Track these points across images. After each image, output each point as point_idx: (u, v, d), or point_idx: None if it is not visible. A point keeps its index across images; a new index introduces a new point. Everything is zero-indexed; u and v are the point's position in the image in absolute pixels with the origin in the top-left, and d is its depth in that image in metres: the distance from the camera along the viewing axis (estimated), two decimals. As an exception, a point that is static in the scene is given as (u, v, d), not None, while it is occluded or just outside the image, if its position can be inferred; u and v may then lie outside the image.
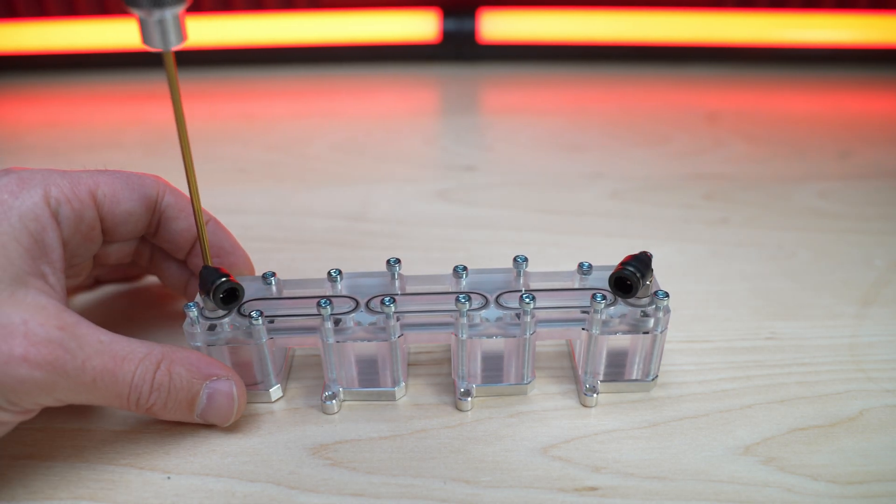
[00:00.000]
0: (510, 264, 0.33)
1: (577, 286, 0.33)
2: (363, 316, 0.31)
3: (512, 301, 0.31)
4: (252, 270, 0.36)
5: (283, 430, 0.31)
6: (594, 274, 0.33)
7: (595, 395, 0.32)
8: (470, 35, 0.75)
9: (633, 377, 0.32)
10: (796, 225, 0.47)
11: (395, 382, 0.32)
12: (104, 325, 0.28)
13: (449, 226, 0.48)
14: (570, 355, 0.35)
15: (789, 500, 0.27)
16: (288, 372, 0.34)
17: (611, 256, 0.43)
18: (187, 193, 0.29)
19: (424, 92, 0.75)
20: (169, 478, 0.29)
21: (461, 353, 0.31)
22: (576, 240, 0.46)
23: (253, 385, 0.32)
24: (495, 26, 0.76)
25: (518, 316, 0.30)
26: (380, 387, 0.32)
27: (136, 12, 0.23)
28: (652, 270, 0.30)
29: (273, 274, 0.33)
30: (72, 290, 0.38)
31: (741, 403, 0.32)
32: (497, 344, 0.32)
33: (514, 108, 0.69)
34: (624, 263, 0.30)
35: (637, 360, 0.32)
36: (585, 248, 0.45)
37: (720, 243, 0.45)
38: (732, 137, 0.61)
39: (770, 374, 0.34)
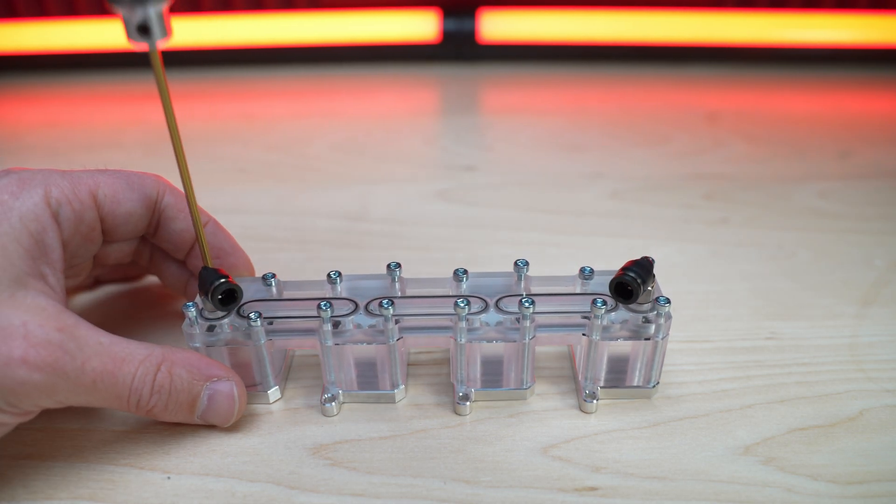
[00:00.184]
0: (510, 265, 0.33)
1: (578, 291, 0.33)
2: (362, 318, 0.31)
3: (512, 305, 0.31)
4: (252, 271, 0.36)
5: (283, 430, 0.31)
6: (595, 279, 0.33)
7: (595, 402, 0.32)
8: (470, 35, 0.75)
9: (634, 383, 0.32)
10: (796, 225, 0.47)
11: (395, 385, 0.32)
12: (104, 325, 0.28)
13: (449, 226, 0.48)
14: (571, 359, 0.35)
15: (789, 500, 0.27)
16: (287, 373, 0.34)
17: (611, 256, 0.43)
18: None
19: (424, 92, 0.75)
20: (169, 478, 0.29)
21: (460, 357, 0.31)
22: (576, 240, 0.46)
23: (252, 386, 0.32)
24: (495, 26, 0.76)
25: (518, 320, 0.30)
26: (379, 389, 0.32)
27: (119, 9, 0.23)
28: (654, 276, 0.30)
29: (273, 275, 0.33)
30: (72, 290, 0.38)
31: (741, 403, 0.32)
32: (496, 348, 0.32)
33: (514, 108, 0.69)
34: (625, 269, 0.30)
35: (638, 366, 0.32)
36: (585, 248, 0.45)
37: (720, 243, 0.45)
38: (732, 137, 0.61)
39: (770, 374, 0.34)
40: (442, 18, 0.75)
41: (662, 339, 0.30)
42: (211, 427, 0.31)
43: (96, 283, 0.39)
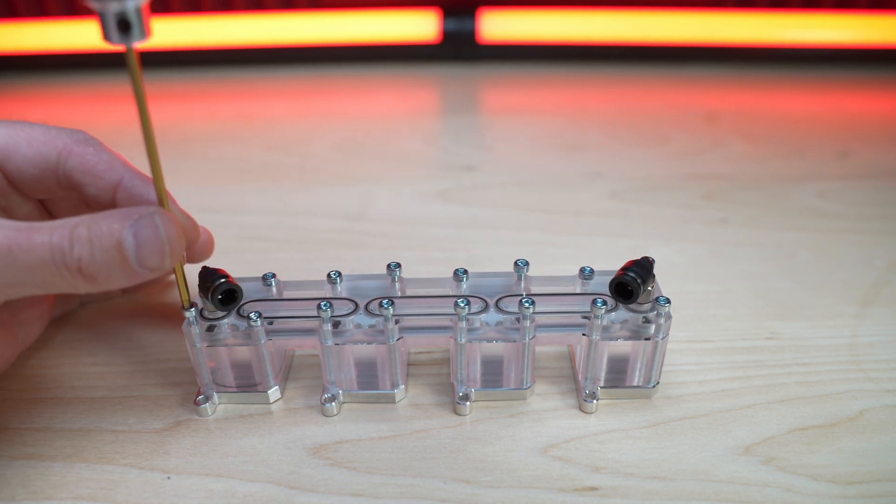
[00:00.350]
0: (510, 265, 0.33)
1: (578, 291, 0.33)
2: (362, 318, 0.31)
3: (512, 305, 0.31)
4: (211, 244, 0.35)
5: (283, 430, 0.31)
6: (595, 279, 0.33)
7: (595, 402, 0.32)
8: (470, 35, 0.75)
9: (634, 383, 0.32)
10: (796, 225, 0.47)
11: (395, 385, 0.32)
12: (104, 328, 0.28)
13: (449, 226, 0.48)
14: (571, 359, 0.35)
15: (789, 500, 0.27)
16: (287, 373, 0.34)
17: (610, 256, 0.43)
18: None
19: (424, 92, 0.75)
20: (169, 478, 0.29)
21: (460, 357, 0.31)
22: (575, 240, 0.46)
23: (252, 386, 0.32)
24: (495, 26, 0.76)
25: (518, 320, 0.30)
26: (379, 389, 0.32)
27: (94, 4, 0.22)
28: (654, 276, 0.30)
29: (273, 275, 0.33)
30: (61, 316, 0.38)
31: (741, 403, 0.32)
32: (496, 348, 0.32)
33: (514, 108, 0.69)
34: (625, 269, 0.30)
35: (638, 366, 0.32)
36: (585, 248, 0.45)
37: (720, 243, 0.45)
38: (732, 137, 0.61)
39: (770, 374, 0.34)
40: (442, 18, 0.75)
41: (662, 339, 0.30)
42: (211, 427, 0.31)
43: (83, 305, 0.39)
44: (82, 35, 0.74)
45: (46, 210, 0.34)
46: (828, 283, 0.41)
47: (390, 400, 0.32)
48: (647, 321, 0.30)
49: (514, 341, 0.31)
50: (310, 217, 0.49)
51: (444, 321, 0.31)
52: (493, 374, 0.33)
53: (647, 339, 0.31)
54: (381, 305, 0.29)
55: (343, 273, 0.33)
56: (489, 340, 0.31)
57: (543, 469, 0.29)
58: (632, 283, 0.29)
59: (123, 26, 0.22)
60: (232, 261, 0.38)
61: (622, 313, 0.31)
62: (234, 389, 0.32)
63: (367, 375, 0.33)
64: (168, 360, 0.35)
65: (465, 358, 0.31)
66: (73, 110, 0.70)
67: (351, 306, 0.31)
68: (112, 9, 0.22)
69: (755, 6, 0.74)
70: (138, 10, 0.22)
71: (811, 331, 0.37)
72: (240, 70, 0.78)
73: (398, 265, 0.33)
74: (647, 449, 0.30)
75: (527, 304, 0.29)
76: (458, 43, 0.76)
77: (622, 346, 0.32)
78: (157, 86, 0.74)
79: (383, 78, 0.76)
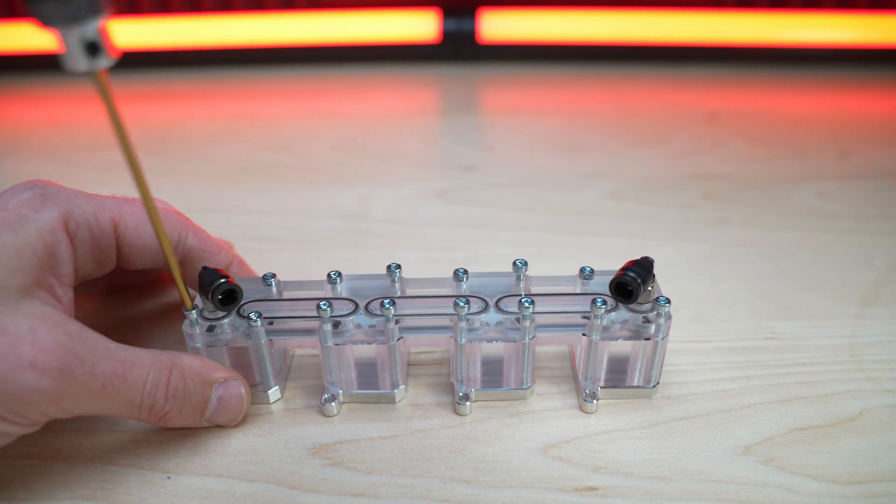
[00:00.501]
0: (510, 265, 0.33)
1: (578, 291, 0.33)
2: (362, 318, 0.31)
3: (512, 305, 0.31)
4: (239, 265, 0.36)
5: (283, 430, 0.31)
6: (596, 279, 0.33)
7: (595, 402, 0.32)
8: (470, 35, 0.75)
9: (634, 383, 0.32)
10: (796, 225, 0.47)
11: (395, 385, 0.32)
12: (104, 326, 0.28)
13: (449, 226, 0.48)
14: (571, 359, 0.35)
15: (789, 500, 0.27)
16: (287, 373, 0.34)
17: (610, 256, 0.43)
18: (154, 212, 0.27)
19: (424, 92, 0.75)
20: (169, 478, 0.29)
21: (460, 357, 0.31)
22: (575, 240, 0.46)
23: (252, 386, 0.32)
24: (495, 26, 0.76)
25: (518, 320, 0.30)
26: (379, 389, 0.32)
27: (53, 29, 0.20)
28: (654, 276, 0.30)
29: (273, 275, 0.33)
30: (86, 296, 0.38)
31: (741, 403, 0.32)
32: (496, 348, 0.32)
33: (514, 108, 0.69)
34: (625, 269, 0.30)
35: (638, 366, 0.32)
36: (585, 248, 0.45)
37: (720, 243, 0.45)
38: (732, 137, 0.61)
39: (770, 374, 0.34)
40: (442, 18, 0.75)
41: (662, 339, 0.30)
42: (211, 427, 0.31)
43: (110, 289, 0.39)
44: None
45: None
46: (828, 283, 0.41)
47: (390, 400, 0.32)
48: (647, 321, 0.30)
49: (514, 341, 0.31)
50: (310, 217, 0.49)
51: (444, 321, 0.31)
52: (493, 374, 0.33)
53: (647, 339, 0.31)
54: (381, 305, 0.29)
55: (343, 273, 0.33)
56: (489, 340, 0.31)
57: (543, 469, 0.29)
58: (632, 283, 0.29)
59: (92, 50, 0.21)
60: (232, 261, 0.38)
61: (622, 313, 0.31)
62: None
63: (367, 375, 0.33)
64: (168, 360, 0.35)
65: (465, 358, 0.31)
66: (73, 110, 0.70)
67: (351, 306, 0.31)
68: (73, 35, 0.20)
69: (755, 6, 0.74)
70: (99, 33, 0.21)
71: (811, 331, 0.37)
72: (240, 70, 0.78)
73: (398, 266, 0.33)
74: (647, 449, 0.30)
75: (527, 304, 0.29)
76: (458, 43, 0.76)
77: (622, 346, 0.32)
78: (157, 86, 0.74)
79: (383, 78, 0.76)
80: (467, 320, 0.30)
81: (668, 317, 0.30)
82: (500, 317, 0.31)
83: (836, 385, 0.33)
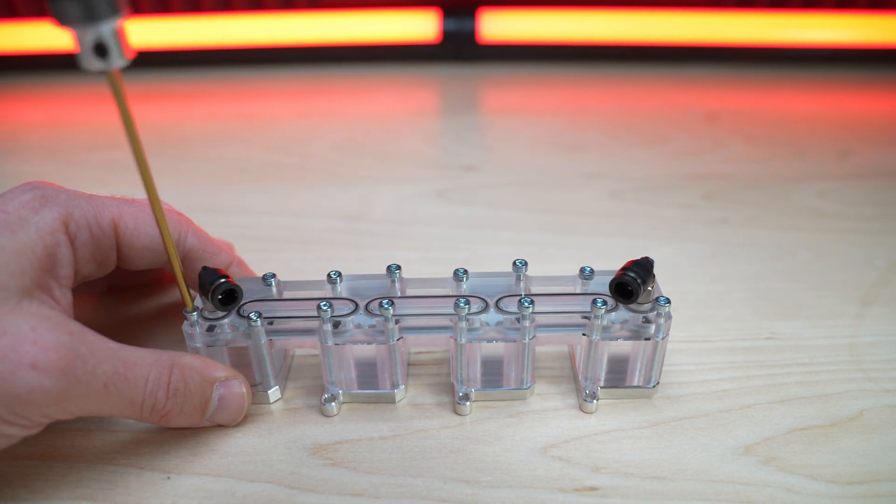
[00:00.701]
0: (510, 265, 0.33)
1: (578, 291, 0.33)
2: (362, 318, 0.31)
3: (512, 305, 0.31)
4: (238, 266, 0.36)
5: (283, 430, 0.31)
6: (596, 279, 0.33)
7: (595, 402, 0.32)
8: (470, 35, 0.75)
9: (634, 383, 0.32)
10: (796, 225, 0.47)
11: (395, 385, 0.32)
12: (104, 327, 0.28)
13: (449, 226, 0.48)
14: (571, 359, 0.35)
15: (789, 500, 0.27)
16: (287, 373, 0.34)
17: (610, 256, 0.43)
18: (159, 213, 0.28)
19: (424, 92, 0.75)
20: (169, 478, 0.29)
21: (460, 357, 0.31)
22: (576, 240, 0.46)
23: (252, 386, 0.32)
24: (495, 26, 0.76)
25: (518, 320, 0.30)
26: (379, 389, 0.32)
27: (70, 29, 0.21)
28: (654, 276, 0.30)
29: (273, 275, 0.33)
30: (85, 296, 0.38)
31: (741, 403, 0.32)
32: (496, 348, 0.32)
33: (514, 108, 0.69)
34: (625, 269, 0.30)
35: (638, 366, 0.32)
36: (585, 248, 0.45)
37: (720, 243, 0.45)
38: (732, 137, 0.61)
39: (770, 374, 0.34)
40: (442, 18, 0.75)
41: (662, 339, 0.30)
42: (210, 427, 0.31)
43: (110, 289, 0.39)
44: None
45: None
46: (828, 283, 0.41)
47: (390, 400, 0.32)
48: (647, 321, 0.30)
49: (514, 341, 0.31)
50: (310, 217, 0.49)
51: (444, 321, 0.31)
52: (493, 374, 0.33)
53: (647, 339, 0.31)
54: (381, 305, 0.29)
55: (343, 273, 0.33)
56: (489, 340, 0.31)
57: (543, 469, 0.29)
58: (632, 283, 0.29)
59: (100, 51, 0.21)
60: (232, 261, 0.38)
61: (622, 313, 0.31)
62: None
63: (367, 375, 0.33)
64: (168, 360, 0.35)
65: (465, 358, 0.31)
66: (73, 110, 0.70)
67: (351, 306, 0.31)
68: (88, 35, 0.21)
69: (755, 6, 0.74)
70: (115, 33, 0.21)
71: (811, 331, 0.37)
72: (240, 70, 0.78)
73: (398, 266, 0.33)
74: (647, 449, 0.30)
75: (527, 304, 0.29)
76: (458, 43, 0.76)
77: (622, 346, 0.32)
78: (157, 86, 0.74)
79: (383, 78, 0.76)
80: (467, 320, 0.30)
81: (668, 317, 0.30)
82: (500, 317, 0.31)
83: (836, 385, 0.33)
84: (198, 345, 0.30)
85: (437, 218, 0.49)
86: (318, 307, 0.29)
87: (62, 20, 0.20)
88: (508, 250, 0.44)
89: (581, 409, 0.32)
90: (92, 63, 0.21)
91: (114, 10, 0.21)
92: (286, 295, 0.33)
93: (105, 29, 0.21)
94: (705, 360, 0.35)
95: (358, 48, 0.76)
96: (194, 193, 0.52)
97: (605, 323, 0.30)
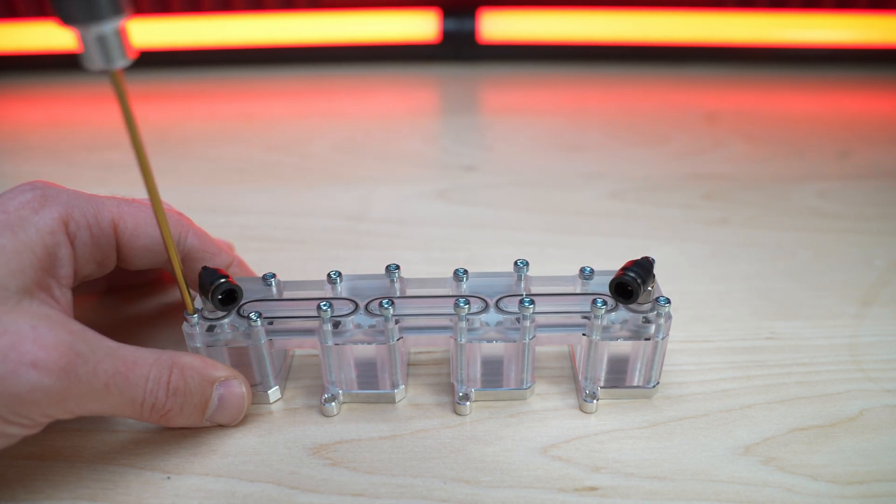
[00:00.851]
0: (510, 265, 0.33)
1: (578, 291, 0.33)
2: (362, 318, 0.31)
3: (512, 305, 0.31)
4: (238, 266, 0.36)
5: (283, 430, 0.31)
6: (596, 279, 0.33)
7: (595, 402, 0.32)
8: (470, 35, 0.75)
9: (634, 383, 0.32)
10: (796, 225, 0.47)
11: (395, 385, 0.32)
12: (103, 326, 0.28)
13: (449, 226, 0.48)
14: (571, 359, 0.35)
15: (789, 500, 0.27)
16: (287, 373, 0.34)
17: (610, 256, 0.43)
18: (158, 215, 0.28)
19: (424, 92, 0.75)
20: (169, 478, 0.29)
21: (460, 357, 0.31)
22: (576, 240, 0.46)
23: (252, 386, 0.32)
24: (495, 26, 0.76)
25: (518, 320, 0.30)
26: (379, 389, 0.32)
27: (73, 28, 0.21)
28: (654, 276, 0.30)
29: (273, 275, 0.33)
30: (85, 296, 0.38)
31: (741, 403, 0.32)
32: (496, 348, 0.32)
33: (514, 108, 0.69)
34: (625, 269, 0.30)
35: (638, 366, 0.32)
36: (585, 248, 0.45)
37: (720, 243, 0.45)
38: (732, 137, 0.61)
39: (770, 374, 0.34)
40: (442, 18, 0.75)
41: (662, 339, 0.30)
42: (210, 427, 0.31)
43: (109, 289, 0.39)
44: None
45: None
46: (828, 283, 0.41)
47: (390, 400, 0.32)
48: (647, 321, 0.30)
49: (514, 341, 0.31)
50: (310, 217, 0.49)
51: (444, 321, 0.31)
52: (493, 374, 0.33)
53: (647, 339, 0.31)
54: (381, 305, 0.29)
55: (343, 273, 0.33)
56: (489, 340, 0.31)
57: (543, 469, 0.29)
58: (632, 283, 0.29)
59: (110, 49, 0.21)
60: (232, 261, 0.38)
61: (622, 313, 0.31)
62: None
63: (367, 375, 0.33)
64: (168, 360, 0.35)
65: (465, 358, 0.31)
66: (73, 110, 0.70)
67: (351, 306, 0.31)
68: (91, 34, 0.21)
69: (755, 6, 0.74)
70: (117, 33, 0.21)
71: (811, 331, 0.37)
72: (240, 70, 0.78)
73: (397, 267, 0.33)
74: (647, 449, 0.30)
75: (527, 304, 0.29)
76: (458, 43, 0.76)
77: (622, 346, 0.32)
78: (157, 86, 0.74)
79: (383, 78, 0.76)
80: (467, 320, 0.30)
81: (668, 317, 0.30)
82: (500, 317, 0.31)
83: (836, 385, 0.33)
84: (198, 345, 0.30)
85: (437, 218, 0.49)
86: (318, 307, 0.29)
87: (65, 19, 0.20)
88: (508, 250, 0.44)
89: (581, 409, 0.32)
90: (94, 63, 0.21)
91: (117, 10, 0.21)
92: (286, 295, 0.33)
93: (108, 28, 0.21)
94: (705, 360, 0.35)
95: (358, 48, 0.76)
96: (194, 193, 0.52)
97: (605, 323, 0.30)
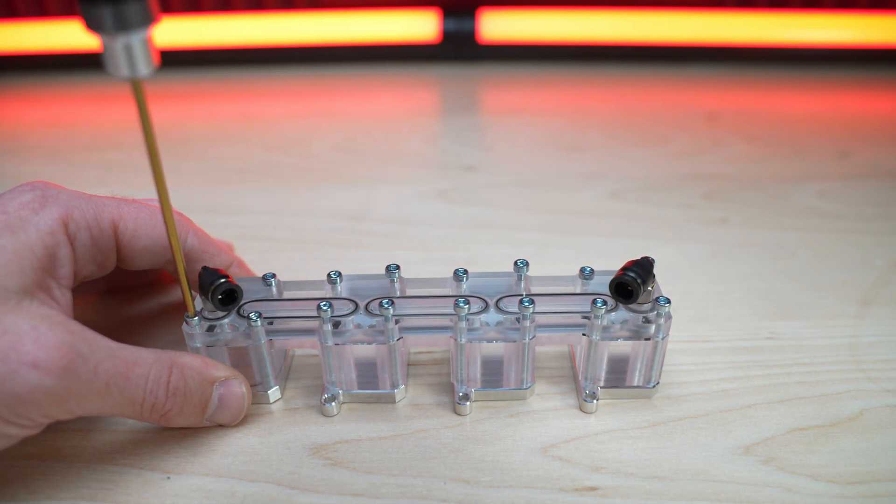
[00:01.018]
0: (510, 265, 0.33)
1: (578, 291, 0.33)
2: (362, 318, 0.31)
3: (512, 305, 0.31)
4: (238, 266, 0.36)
5: (283, 430, 0.31)
6: (596, 279, 0.33)
7: (595, 402, 0.32)
8: (470, 35, 0.75)
9: (634, 384, 0.32)
10: (796, 225, 0.47)
11: (395, 385, 0.32)
12: (103, 327, 0.28)
13: (449, 226, 0.48)
14: (571, 359, 0.35)
15: (789, 500, 0.27)
16: (287, 373, 0.34)
17: (610, 256, 0.43)
18: (168, 217, 0.27)
19: (424, 92, 0.75)
20: (169, 478, 0.29)
21: (460, 357, 0.31)
22: (576, 240, 0.46)
23: (252, 386, 0.32)
24: (495, 26, 0.76)
25: (518, 320, 0.30)
26: (379, 389, 0.32)
27: (99, 36, 0.21)
28: (654, 276, 0.30)
29: (273, 275, 0.33)
30: (85, 296, 0.38)
31: (741, 403, 0.32)
32: (496, 348, 0.32)
33: (514, 108, 0.69)
34: (625, 269, 0.30)
35: (638, 366, 0.32)
36: (585, 248, 0.45)
37: (720, 243, 0.45)
38: (732, 137, 0.61)
39: (770, 374, 0.34)
40: (442, 18, 0.75)
41: (662, 339, 0.30)
42: (210, 427, 0.31)
43: (109, 289, 0.39)
44: (82, 35, 0.74)
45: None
46: (828, 283, 0.41)
47: (390, 400, 0.32)
48: (647, 321, 0.30)
49: (514, 341, 0.31)
50: (310, 217, 0.49)
51: (444, 321, 0.31)
52: (493, 374, 0.33)
53: (647, 339, 0.31)
54: (381, 305, 0.29)
55: (343, 273, 0.33)
56: (489, 340, 0.31)
57: (543, 469, 0.29)
58: (632, 283, 0.29)
59: (136, 58, 0.21)
60: (232, 261, 0.38)
61: (622, 313, 0.31)
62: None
63: (367, 375, 0.33)
64: (168, 360, 0.35)
65: (465, 358, 0.31)
66: (73, 110, 0.70)
67: (351, 306, 0.31)
68: (118, 43, 0.21)
69: (755, 6, 0.74)
70: (144, 42, 0.21)
71: (811, 331, 0.37)
72: (240, 70, 0.78)
73: (397, 267, 0.33)
74: (647, 449, 0.30)
75: (527, 304, 0.29)
76: (458, 43, 0.76)
77: (622, 346, 0.32)
78: (157, 86, 0.74)
79: (383, 78, 0.76)
80: (467, 320, 0.30)
81: (668, 317, 0.30)
82: (500, 317, 0.31)
83: (836, 385, 0.33)
84: (198, 345, 0.30)
85: (437, 218, 0.49)
86: (318, 307, 0.29)
87: (93, 26, 0.20)
88: (508, 250, 0.44)
89: (581, 409, 0.32)
90: (119, 71, 0.21)
91: (146, 19, 0.21)
92: (286, 295, 0.33)
93: (136, 39, 0.21)
94: (705, 360, 0.35)
95: (358, 48, 0.76)
96: (194, 193, 0.52)
97: (605, 323, 0.30)
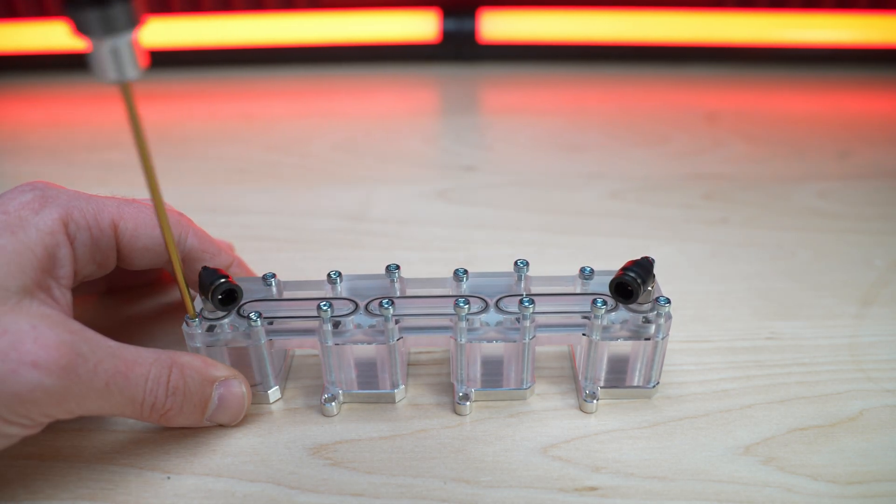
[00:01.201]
0: (510, 265, 0.33)
1: (578, 291, 0.33)
2: (362, 318, 0.31)
3: (512, 305, 0.31)
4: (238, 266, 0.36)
5: (283, 430, 0.31)
6: (596, 279, 0.33)
7: (595, 402, 0.32)
8: (470, 35, 0.75)
9: (634, 383, 0.32)
10: (796, 225, 0.47)
11: (395, 385, 0.32)
12: (103, 327, 0.28)
13: (449, 226, 0.48)
14: (571, 359, 0.35)
15: (789, 500, 0.27)
16: (287, 373, 0.34)
17: (610, 256, 0.43)
18: (162, 219, 0.27)
19: (424, 92, 0.75)
20: (169, 478, 0.29)
21: (460, 357, 0.31)
22: (576, 240, 0.46)
23: (252, 386, 0.32)
24: (495, 26, 0.76)
25: (518, 320, 0.30)
26: (379, 389, 0.32)
27: (87, 38, 0.21)
28: (654, 276, 0.30)
29: (273, 275, 0.33)
30: (85, 296, 0.38)
31: (741, 403, 0.32)
32: (496, 348, 0.32)
33: (514, 108, 0.69)
34: (625, 269, 0.30)
35: (638, 366, 0.32)
36: (585, 248, 0.45)
37: (720, 243, 0.45)
38: (732, 137, 0.61)
39: (770, 374, 0.34)
40: (442, 18, 0.75)
41: (662, 339, 0.30)
42: (210, 427, 0.31)
43: (109, 290, 0.39)
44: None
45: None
46: (828, 283, 0.41)
47: (390, 400, 0.32)
48: (647, 321, 0.30)
49: (514, 341, 0.31)
50: (310, 217, 0.49)
51: (444, 321, 0.31)
52: (493, 374, 0.33)
53: (647, 339, 0.31)
54: (381, 305, 0.29)
55: (343, 273, 0.33)
56: (489, 340, 0.31)
57: (543, 469, 0.29)
58: (632, 283, 0.29)
59: (123, 61, 0.21)
60: (232, 261, 0.38)
61: (622, 313, 0.31)
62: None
63: (367, 375, 0.33)
64: (168, 360, 0.35)
65: (465, 358, 0.31)
66: (73, 110, 0.70)
67: (351, 306, 0.31)
68: (105, 46, 0.21)
69: (755, 6, 0.74)
70: (131, 45, 0.21)
71: (811, 331, 0.37)
72: (240, 70, 0.78)
73: (397, 267, 0.33)
74: (647, 449, 0.30)
75: (527, 304, 0.29)
76: (458, 43, 0.76)
77: (622, 346, 0.32)
78: (157, 86, 0.74)
79: (383, 78, 0.76)
80: (467, 320, 0.30)
81: (668, 317, 0.30)
82: (500, 317, 0.31)
83: (836, 385, 0.33)
84: (198, 345, 0.30)
85: (437, 218, 0.49)
86: (318, 307, 0.29)
87: (81, 29, 0.20)
88: (508, 250, 0.44)
89: (581, 409, 0.32)
90: (107, 74, 0.21)
91: (132, 22, 0.21)
92: (286, 295, 0.33)
93: (122, 42, 0.21)
94: (705, 360, 0.35)
95: (358, 48, 0.76)
96: (194, 193, 0.52)
97: (605, 323, 0.30)
